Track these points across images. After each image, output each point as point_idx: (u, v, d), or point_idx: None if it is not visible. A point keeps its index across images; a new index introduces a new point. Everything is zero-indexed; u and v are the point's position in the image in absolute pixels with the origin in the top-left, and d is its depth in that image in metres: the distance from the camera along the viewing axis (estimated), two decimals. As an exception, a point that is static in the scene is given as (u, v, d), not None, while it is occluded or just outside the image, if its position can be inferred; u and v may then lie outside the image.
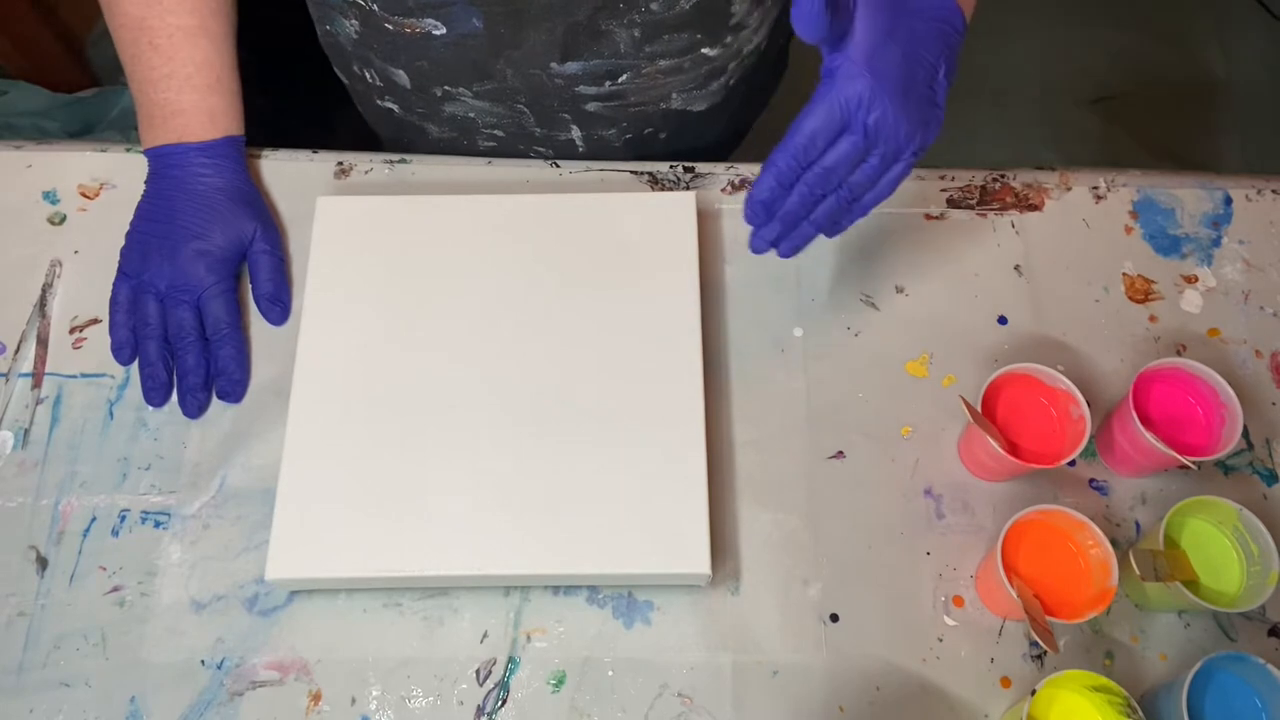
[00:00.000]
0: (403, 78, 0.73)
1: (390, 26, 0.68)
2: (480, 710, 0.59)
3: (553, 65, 0.69)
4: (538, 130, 0.76)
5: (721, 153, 0.90)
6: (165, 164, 0.68)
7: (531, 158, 0.78)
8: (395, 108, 0.77)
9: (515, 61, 0.69)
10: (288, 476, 0.61)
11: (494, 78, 0.70)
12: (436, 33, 0.67)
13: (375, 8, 0.67)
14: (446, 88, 0.72)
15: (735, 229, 0.73)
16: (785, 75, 0.90)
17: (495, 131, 0.76)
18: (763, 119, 0.91)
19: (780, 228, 0.58)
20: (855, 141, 0.53)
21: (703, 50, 0.70)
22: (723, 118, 0.81)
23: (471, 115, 0.75)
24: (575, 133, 0.76)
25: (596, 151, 0.78)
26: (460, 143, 0.79)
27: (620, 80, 0.71)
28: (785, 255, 0.60)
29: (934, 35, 0.53)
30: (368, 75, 0.75)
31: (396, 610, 0.62)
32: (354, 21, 0.69)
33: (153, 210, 0.68)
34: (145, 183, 0.69)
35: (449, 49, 0.68)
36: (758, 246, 0.59)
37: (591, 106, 0.73)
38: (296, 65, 1.06)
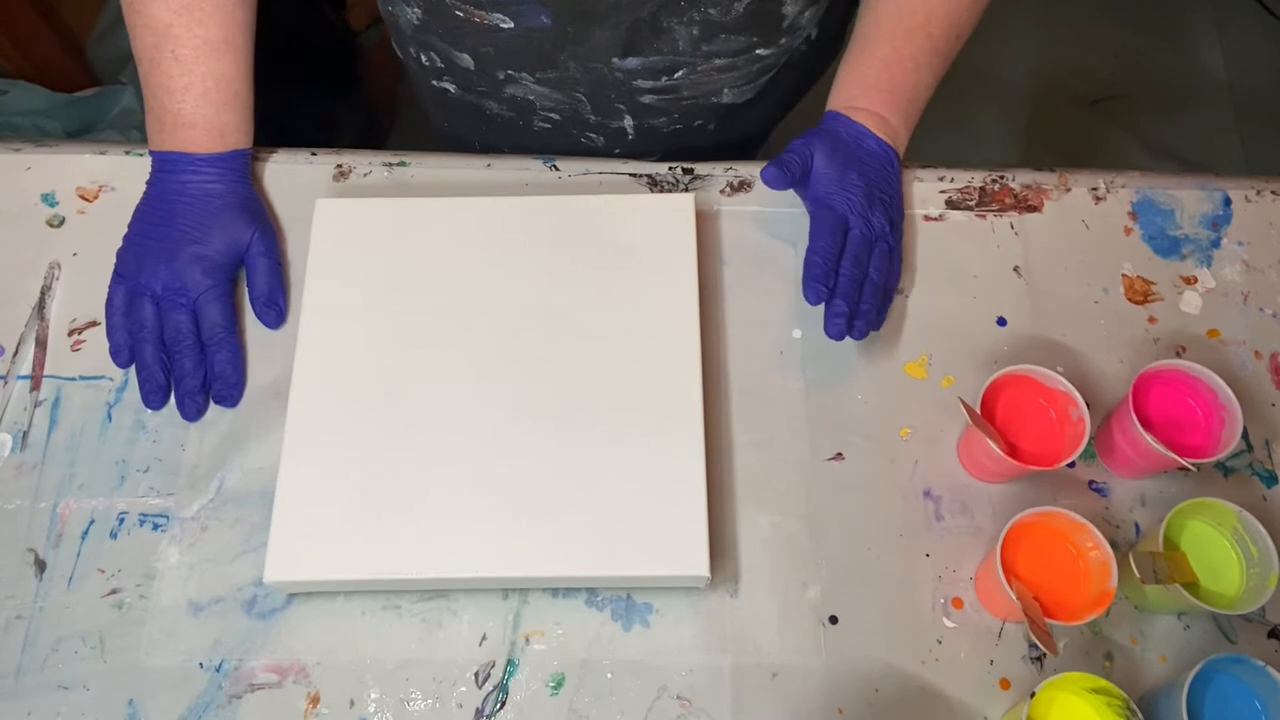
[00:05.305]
0: (466, 60, 0.74)
1: (461, 14, 0.69)
2: (479, 713, 0.59)
3: (614, 60, 0.71)
4: (592, 118, 0.78)
5: (764, 131, 0.93)
6: (169, 169, 0.68)
7: (584, 142, 0.81)
8: (452, 88, 0.78)
9: (579, 55, 0.71)
10: (286, 479, 0.61)
11: (557, 67, 0.73)
12: (504, 26, 0.69)
13: None
14: (510, 72, 0.74)
15: (734, 231, 0.73)
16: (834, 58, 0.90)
17: (551, 114, 0.79)
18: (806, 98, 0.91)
19: (845, 305, 0.65)
20: (861, 228, 0.67)
21: (757, 51, 0.73)
22: (768, 106, 0.83)
23: (531, 98, 0.77)
24: (628, 121, 0.78)
25: (645, 139, 0.80)
26: (516, 122, 0.80)
27: (676, 75, 0.73)
28: (860, 336, 0.66)
29: (878, 167, 0.69)
30: (423, 58, 0.76)
31: (395, 613, 0.62)
32: (416, 9, 0.71)
33: (151, 213, 0.68)
34: (146, 183, 0.69)
35: (515, 39, 0.70)
36: (838, 330, 0.65)
37: (647, 99, 0.76)
38: (297, 63, 1.07)
